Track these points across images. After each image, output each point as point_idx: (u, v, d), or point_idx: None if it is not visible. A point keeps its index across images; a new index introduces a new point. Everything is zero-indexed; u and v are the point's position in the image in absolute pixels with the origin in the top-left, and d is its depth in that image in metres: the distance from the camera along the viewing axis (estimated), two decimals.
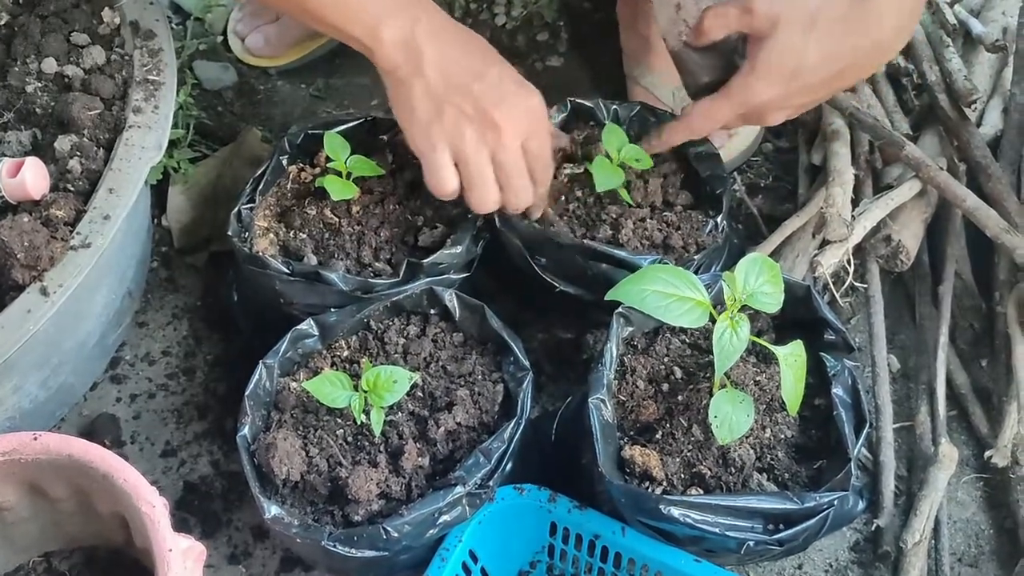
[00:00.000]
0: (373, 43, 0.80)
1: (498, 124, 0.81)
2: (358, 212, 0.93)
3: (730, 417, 0.74)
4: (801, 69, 0.78)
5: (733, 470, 0.77)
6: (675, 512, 0.73)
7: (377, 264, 0.90)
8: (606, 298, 0.75)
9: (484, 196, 0.83)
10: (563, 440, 0.86)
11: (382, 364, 0.81)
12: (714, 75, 0.84)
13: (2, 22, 0.95)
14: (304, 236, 0.91)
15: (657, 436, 0.78)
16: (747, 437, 0.77)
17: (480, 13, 1.27)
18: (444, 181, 0.83)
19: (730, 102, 0.81)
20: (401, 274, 0.87)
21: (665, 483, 0.76)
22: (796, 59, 0.77)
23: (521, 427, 0.78)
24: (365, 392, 0.77)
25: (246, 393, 0.79)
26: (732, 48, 0.83)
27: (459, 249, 0.89)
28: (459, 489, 0.74)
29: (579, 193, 0.94)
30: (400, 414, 0.80)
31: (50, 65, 0.91)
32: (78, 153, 0.85)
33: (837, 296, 0.98)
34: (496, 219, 0.92)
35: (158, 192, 1.06)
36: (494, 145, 0.82)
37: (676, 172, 0.96)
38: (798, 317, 0.84)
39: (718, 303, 0.77)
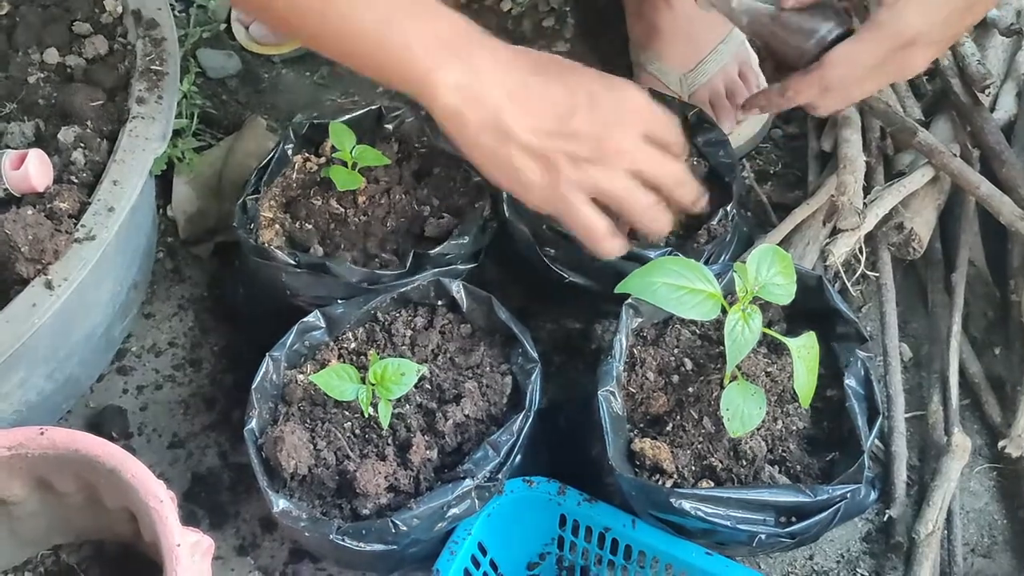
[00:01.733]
0: (427, 96, 0.71)
1: (620, 148, 0.73)
2: (364, 202, 0.92)
3: (742, 410, 0.73)
4: (900, 61, 0.73)
5: (744, 463, 0.76)
6: (686, 505, 0.72)
7: (384, 255, 0.89)
8: (616, 291, 0.74)
9: (652, 216, 0.76)
10: (572, 432, 0.86)
11: (389, 356, 0.80)
12: (818, 41, 0.78)
13: (3, 12, 0.94)
14: (310, 227, 0.90)
15: (667, 428, 0.78)
16: (758, 429, 0.77)
17: None
18: (598, 230, 0.75)
19: (877, 38, 0.74)
20: (408, 265, 0.86)
21: (676, 476, 0.75)
22: (895, 49, 0.72)
23: (530, 419, 0.78)
24: (373, 385, 0.77)
25: (253, 386, 0.79)
26: (835, 11, 0.78)
27: (466, 239, 0.88)
28: (468, 482, 0.74)
29: None
30: (408, 406, 0.80)
31: (52, 55, 0.91)
32: (81, 144, 0.85)
33: (848, 285, 0.97)
34: (504, 208, 0.91)
35: (163, 182, 1.06)
36: (628, 166, 0.74)
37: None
38: (809, 307, 0.83)
39: (729, 294, 0.76)
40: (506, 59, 0.73)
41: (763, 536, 0.73)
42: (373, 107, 0.96)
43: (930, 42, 0.76)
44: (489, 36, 0.74)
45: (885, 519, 0.89)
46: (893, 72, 0.78)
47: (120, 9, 0.93)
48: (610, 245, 0.76)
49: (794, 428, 0.79)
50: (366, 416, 0.78)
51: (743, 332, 0.72)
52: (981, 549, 0.89)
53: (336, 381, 0.77)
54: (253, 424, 0.78)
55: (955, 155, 0.99)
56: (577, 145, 0.72)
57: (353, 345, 0.84)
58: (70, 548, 0.83)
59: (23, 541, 0.81)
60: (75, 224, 0.79)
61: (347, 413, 0.80)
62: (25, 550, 0.82)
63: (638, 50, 1.11)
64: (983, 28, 1.12)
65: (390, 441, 0.78)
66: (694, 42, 1.08)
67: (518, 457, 0.77)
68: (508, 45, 0.74)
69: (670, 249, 0.86)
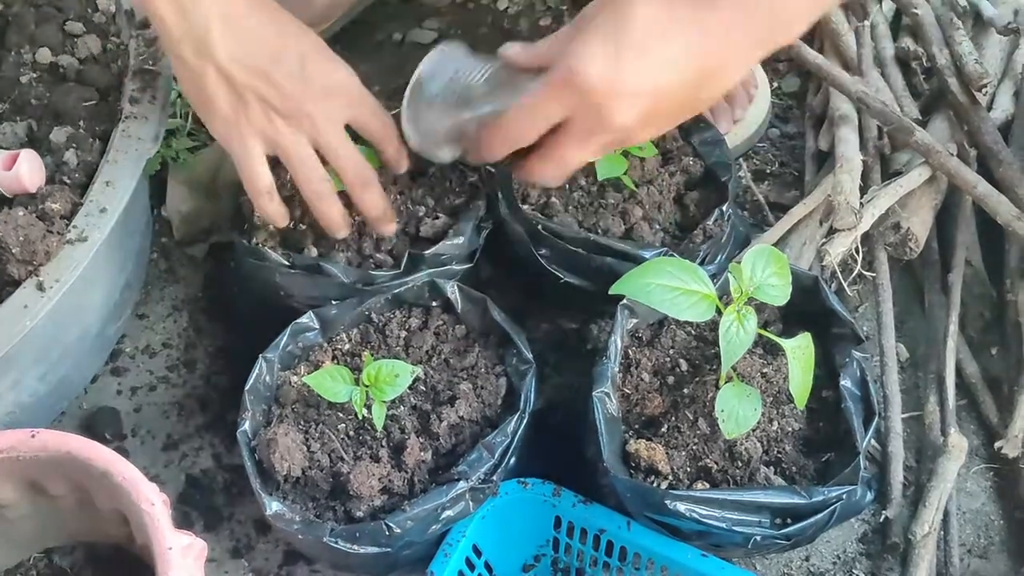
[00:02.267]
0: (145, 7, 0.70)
1: (309, 112, 0.73)
2: None
3: (737, 411, 0.73)
4: (629, 36, 0.65)
5: (740, 464, 0.76)
6: (681, 507, 0.72)
7: (378, 255, 0.88)
8: (610, 292, 0.74)
9: (312, 188, 0.77)
10: (567, 433, 0.85)
11: (384, 357, 0.80)
12: None
13: None
14: (304, 227, 0.90)
15: (663, 429, 0.77)
16: (754, 430, 0.76)
17: None
18: (257, 177, 0.76)
19: (552, 83, 0.68)
20: (403, 266, 0.86)
21: (671, 477, 0.75)
22: (621, 24, 0.66)
23: (524, 421, 0.77)
24: (367, 386, 0.76)
25: (246, 388, 0.79)
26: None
27: (461, 240, 0.88)
28: (462, 484, 0.74)
29: (582, 181, 0.93)
30: (402, 408, 0.80)
31: (44, 55, 0.90)
32: (74, 145, 0.84)
33: (845, 284, 0.96)
34: (499, 209, 0.91)
35: (157, 182, 1.05)
36: (312, 132, 0.75)
37: (681, 159, 0.94)
38: (805, 307, 0.82)
39: (724, 294, 0.76)
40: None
41: (758, 538, 0.73)
42: None
43: (619, 94, 0.67)
44: None
45: (881, 520, 0.88)
46: (593, 119, 0.70)
47: (113, 8, 0.93)
48: (266, 205, 0.77)
49: (790, 429, 0.78)
50: (360, 418, 0.78)
51: (738, 333, 0.72)
52: (977, 550, 0.89)
53: (330, 382, 0.76)
54: (246, 426, 0.77)
55: (952, 154, 0.99)
56: (274, 93, 0.72)
57: (347, 346, 0.84)
58: (62, 551, 0.82)
59: (15, 544, 0.81)
60: (67, 225, 0.79)
61: (341, 415, 0.79)
62: (17, 553, 0.82)
63: None
64: (980, 27, 1.11)
65: (384, 443, 0.78)
66: None
67: (513, 459, 0.77)
68: None
69: (665, 249, 0.86)
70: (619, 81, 0.66)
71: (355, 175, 0.79)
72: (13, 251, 0.75)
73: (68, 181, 0.82)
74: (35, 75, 0.89)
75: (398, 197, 0.92)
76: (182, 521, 0.89)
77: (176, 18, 0.70)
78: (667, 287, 0.72)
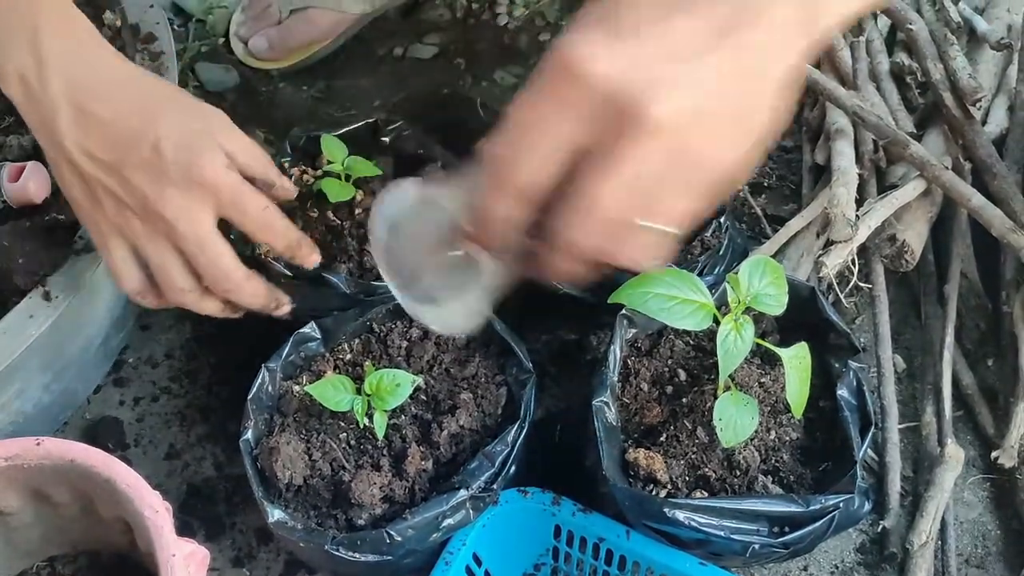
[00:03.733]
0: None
1: (165, 217, 0.63)
2: (360, 214, 0.92)
3: (734, 420, 0.73)
4: (634, 8, 0.46)
5: (738, 473, 0.76)
6: (680, 515, 0.73)
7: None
8: (608, 301, 0.75)
9: (175, 294, 0.69)
10: (567, 443, 0.86)
11: (385, 367, 0.81)
12: None
13: None
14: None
15: (661, 439, 0.78)
16: (752, 439, 0.77)
17: (482, 13, 1.27)
18: (123, 278, 0.68)
19: (541, 88, 0.48)
20: None
21: (670, 486, 0.76)
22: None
23: (524, 430, 0.78)
24: (368, 395, 0.77)
25: (249, 397, 0.79)
26: None
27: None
28: (462, 492, 0.74)
29: None
30: (403, 417, 0.80)
31: None
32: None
33: (842, 296, 0.97)
34: None
35: None
36: (171, 236, 0.64)
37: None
38: (803, 318, 0.83)
39: (722, 305, 0.77)
40: (86, 54, 0.63)
41: (757, 546, 0.74)
42: (370, 120, 0.97)
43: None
44: (82, 19, 0.64)
45: (879, 530, 0.89)
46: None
47: (118, 23, 0.94)
48: (143, 304, 0.69)
49: (787, 439, 0.79)
50: (361, 427, 0.79)
51: (735, 342, 0.72)
52: (975, 559, 0.89)
53: (332, 392, 0.77)
54: (249, 435, 0.78)
55: (947, 168, 1.00)
56: (125, 190, 0.63)
57: (349, 356, 0.84)
58: (65, 559, 0.83)
59: (18, 552, 0.81)
60: (72, 236, 0.80)
61: (342, 424, 0.80)
62: (20, 561, 0.82)
63: None
64: (974, 42, 1.13)
65: (385, 452, 0.79)
66: None
67: (513, 467, 0.78)
68: (102, 41, 0.65)
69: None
70: (634, 61, 0.45)
71: (217, 283, 0.69)
72: (20, 261, 0.76)
73: None
74: None
75: None
76: (184, 530, 0.89)
77: (25, 101, 0.62)
78: (665, 296, 0.73)
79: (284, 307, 0.76)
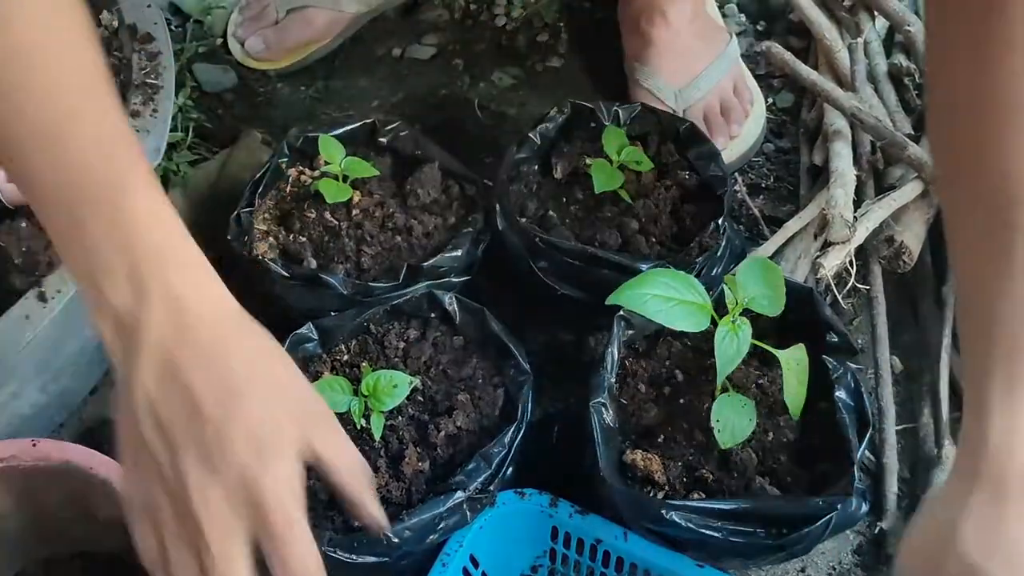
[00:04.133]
0: (88, 305, 0.55)
1: (199, 523, 0.53)
2: (358, 215, 0.92)
3: (732, 421, 0.73)
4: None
5: (735, 474, 0.76)
6: (677, 517, 0.73)
7: (377, 267, 0.89)
8: (606, 302, 0.75)
9: None
10: (564, 444, 0.86)
11: (382, 368, 0.81)
12: None
13: None
14: (304, 239, 0.91)
15: (659, 440, 0.78)
16: (749, 441, 0.77)
17: (480, 14, 1.27)
18: (144, 556, 0.58)
19: None
20: (401, 278, 0.86)
21: (667, 487, 0.76)
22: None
23: (522, 431, 0.78)
24: (365, 396, 0.77)
25: None
26: None
27: (459, 252, 0.88)
28: (459, 494, 0.74)
29: (579, 195, 0.94)
30: (400, 419, 0.80)
31: None
32: None
33: (839, 297, 0.97)
34: (497, 222, 0.92)
35: None
36: (198, 544, 0.54)
37: (677, 173, 0.95)
38: (800, 319, 0.83)
39: (719, 306, 0.77)
40: (191, 302, 0.55)
41: (754, 547, 0.74)
42: (367, 121, 0.97)
43: None
44: (196, 260, 0.57)
45: (876, 531, 0.89)
46: None
47: (115, 23, 0.94)
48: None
49: (785, 440, 0.79)
50: (358, 428, 0.79)
51: (732, 343, 0.72)
52: None
53: (329, 393, 0.77)
54: None
55: None
56: (172, 474, 0.55)
57: (346, 357, 0.84)
58: (61, 561, 0.83)
59: (14, 554, 0.81)
60: None
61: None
62: (15, 563, 0.82)
63: (634, 65, 1.12)
64: None
65: (382, 453, 0.78)
66: (690, 57, 1.09)
67: (510, 469, 0.78)
68: (213, 279, 0.57)
69: (661, 262, 0.86)
70: None
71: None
72: (16, 262, 0.76)
73: None
74: None
75: (398, 209, 0.93)
76: None
77: (113, 338, 0.56)
78: (662, 298, 0.73)
79: None
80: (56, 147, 0.53)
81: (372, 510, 0.61)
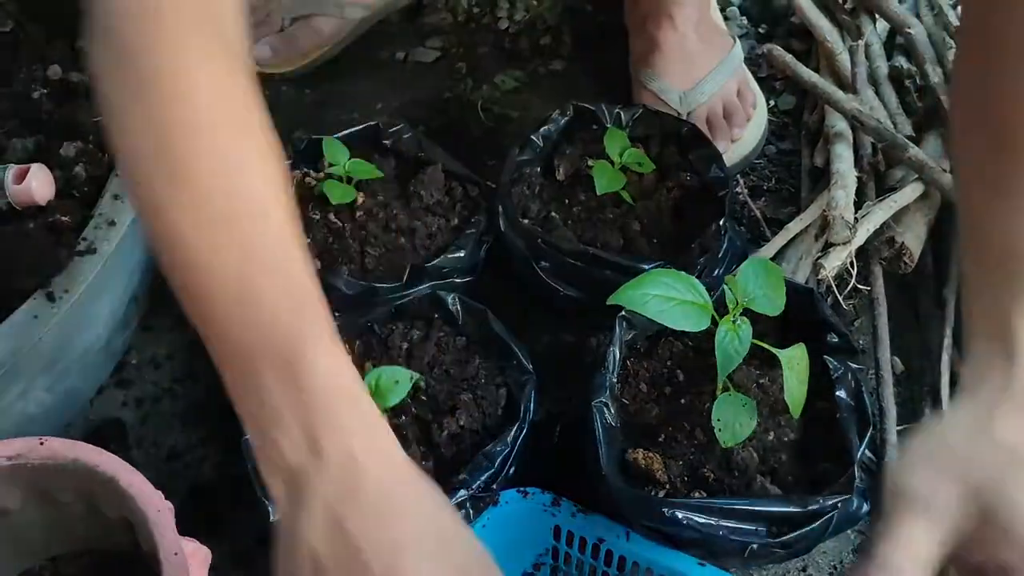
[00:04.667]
0: (258, 459, 0.56)
1: None
2: (362, 217, 0.93)
3: (732, 421, 0.74)
4: None
5: (736, 473, 0.77)
6: (678, 515, 0.73)
7: (380, 268, 0.90)
8: (608, 302, 0.76)
9: None
10: (567, 443, 0.87)
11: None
12: None
13: (7, 29, 0.95)
14: (308, 241, 0.92)
15: (660, 439, 0.79)
16: (750, 440, 0.77)
17: (483, 18, 1.28)
18: None
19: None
20: (405, 278, 0.87)
21: (668, 486, 0.76)
22: None
23: (524, 431, 0.79)
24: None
25: None
26: None
27: (462, 254, 0.89)
28: (462, 493, 0.75)
29: (582, 196, 0.94)
30: (403, 418, 0.81)
31: (55, 72, 0.92)
32: (83, 159, 0.86)
33: (840, 298, 0.98)
34: (500, 223, 0.93)
35: None
36: None
37: (679, 175, 0.96)
38: (801, 320, 0.84)
39: (720, 307, 0.77)
40: (365, 461, 0.54)
41: (755, 546, 0.74)
42: (371, 123, 0.98)
43: None
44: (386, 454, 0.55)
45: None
46: None
47: None
48: None
49: (786, 439, 0.79)
50: None
51: (733, 343, 0.73)
52: None
53: None
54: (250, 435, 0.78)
55: (945, 171, 1.00)
56: None
57: (350, 357, 0.85)
58: (68, 559, 0.83)
59: (21, 552, 0.82)
60: (77, 237, 0.80)
61: None
62: (23, 560, 0.83)
63: (639, 67, 1.13)
64: None
65: None
66: (695, 61, 1.09)
67: (512, 468, 0.78)
68: (387, 435, 0.56)
69: (663, 263, 0.87)
70: None
71: None
72: (24, 262, 0.76)
73: (77, 194, 0.84)
74: (46, 91, 0.91)
75: (401, 211, 0.94)
76: (185, 531, 0.89)
77: (281, 491, 0.55)
78: (663, 298, 0.74)
79: None
80: (250, 303, 0.54)
81: None
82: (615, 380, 0.80)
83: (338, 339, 0.57)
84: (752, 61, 1.22)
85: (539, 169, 0.97)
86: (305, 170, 0.96)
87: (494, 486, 0.77)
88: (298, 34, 1.20)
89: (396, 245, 0.92)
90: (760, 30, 1.27)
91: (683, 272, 0.77)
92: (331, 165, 0.92)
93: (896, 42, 1.18)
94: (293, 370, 0.54)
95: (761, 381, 0.80)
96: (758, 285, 0.75)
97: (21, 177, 0.82)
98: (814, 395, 0.80)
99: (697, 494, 0.76)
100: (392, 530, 0.54)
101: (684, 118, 1.05)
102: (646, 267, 0.85)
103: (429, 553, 0.54)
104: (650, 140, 0.98)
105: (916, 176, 1.01)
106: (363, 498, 0.54)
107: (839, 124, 1.07)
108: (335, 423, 0.54)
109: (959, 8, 1.15)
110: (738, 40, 1.15)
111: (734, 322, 0.74)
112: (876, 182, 1.05)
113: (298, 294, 0.56)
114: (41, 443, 0.73)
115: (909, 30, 1.11)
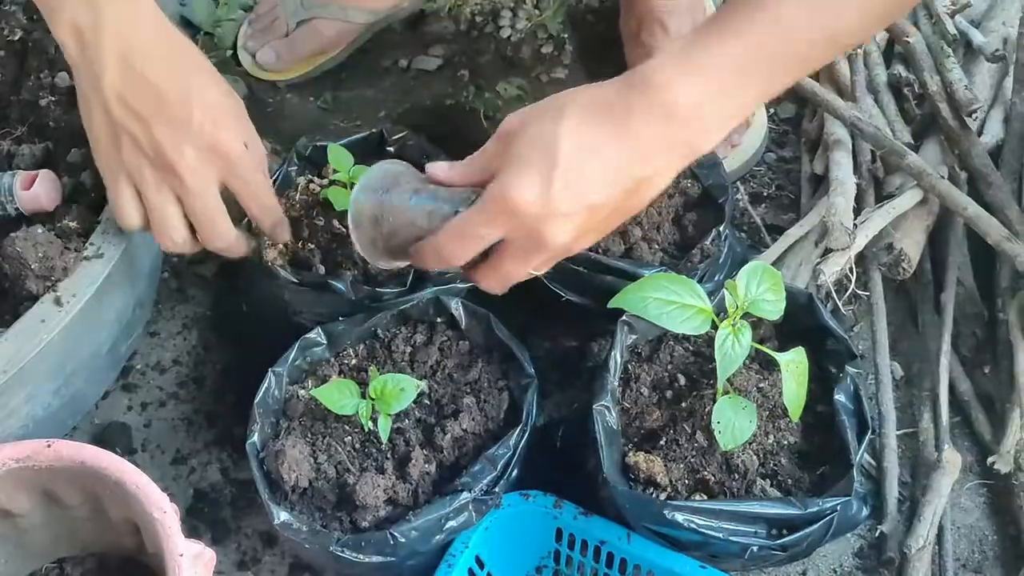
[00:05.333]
0: (51, 24, 0.70)
1: (177, 171, 0.72)
2: None
3: (733, 423, 0.75)
4: (558, 160, 0.66)
5: (736, 476, 0.78)
6: (679, 517, 0.74)
7: (384, 273, 0.91)
8: (608, 306, 0.76)
9: (167, 239, 0.76)
10: (569, 446, 0.87)
11: (389, 372, 0.82)
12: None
13: (16, 37, 0.96)
14: (312, 246, 0.92)
15: (661, 442, 0.79)
16: (750, 443, 0.78)
17: (485, 26, 1.29)
18: (124, 216, 0.76)
19: (485, 210, 0.69)
20: (408, 283, 0.88)
21: (669, 489, 0.77)
22: (549, 148, 0.66)
23: (527, 434, 0.79)
24: (372, 400, 0.78)
25: (255, 401, 0.81)
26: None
27: None
28: (465, 495, 0.75)
29: None
30: (407, 421, 0.81)
31: (63, 79, 0.93)
32: (90, 165, 0.87)
33: (840, 304, 0.99)
34: None
35: None
36: (178, 189, 0.73)
37: (679, 182, 0.97)
38: (801, 325, 0.85)
39: (720, 311, 0.78)
40: (141, 19, 0.71)
41: (755, 548, 0.75)
42: (375, 130, 0.99)
43: (554, 216, 0.67)
44: None
45: (877, 535, 0.90)
46: (533, 244, 0.70)
47: None
48: (129, 229, 0.77)
49: (786, 443, 0.80)
50: (366, 430, 0.80)
51: (733, 347, 0.74)
52: (972, 564, 0.90)
53: (337, 396, 0.78)
54: (255, 438, 0.79)
55: (943, 177, 1.01)
56: (148, 142, 0.71)
57: (354, 361, 0.86)
58: (74, 561, 0.84)
59: (28, 554, 0.83)
60: (84, 242, 0.81)
61: (347, 427, 0.81)
62: (30, 563, 0.83)
63: None
64: (970, 55, 1.14)
65: (389, 455, 0.80)
66: None
67: (515, 471, 0.79)
68: (156, 7, 0.73)
69: (664, 268, 0.88)
70: (552, 205, 0.67)
71: (211, 238, 0.77)
72: (32, 267, 0.77)
73: (85, 200, 0.85)
74: (53, 98, 0.92)
75: None
76: (190, 534, 0.89)
77: (76, 49, 0.70)
78: (664, 301, 0.74)
79: (280, 237, 0.84)
80: None
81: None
82: (616, 384, 0.81)
83: None
84: None
85: None
86: (309, 176, 0.97)
87: (496, 489, 0.77)
88: (301, 38, 1.21)
89: None
90: None
91: (683, 276, 0.78)
92: (335, 171, 0.93)
93: (895, 50, 1.19)
94: None
95: (761, 385, 0.81)
96: (758, 288, 0.76)
97: (29, 183, 0.83)
98: (814, 399, 0.81)
99: (698, 497, 0.76)
100: (179, 67, 0.73)
101: None
102: (647, 272, 0.86)
103: (211, 84, 0.75)
104: None
105: (915, 183, 1.01)
106: (147, 41, 0.71)
107: (838, 131, 1.08)
108: None
109: (956, 17, 1.17)
110: None
111: (734, 326, 0.75)
112: (875, 189, 1.06)
113: None
114: (48, 446, 0.74)
115: (907, 38, 1.12)
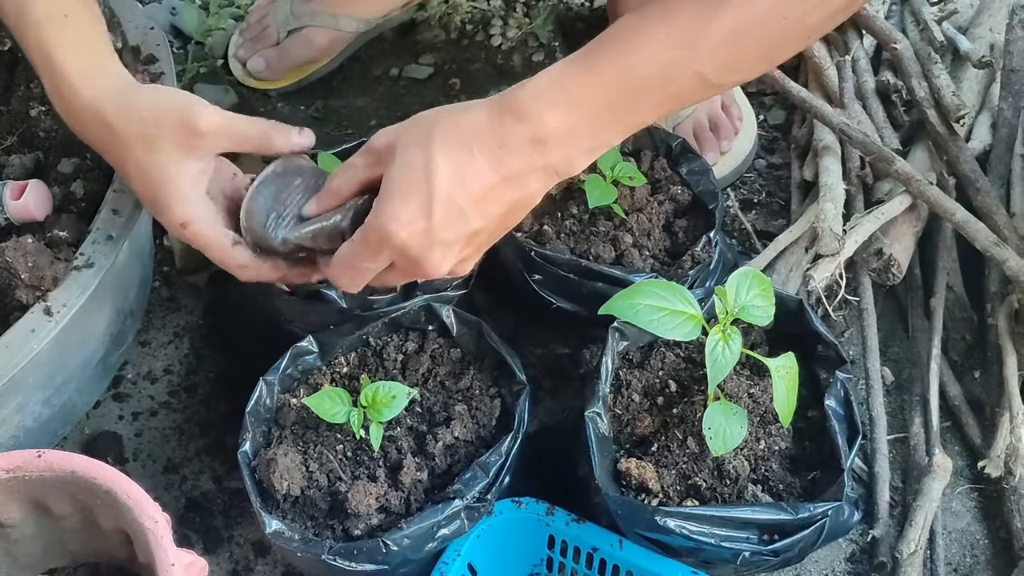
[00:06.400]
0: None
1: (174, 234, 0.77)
2: None
3: (723, 429, 0.75)
4: (434, 191, 0.68)
5: (728, 481, 0.78)
6: (671, 523, 0.74)
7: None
8: (599, 312, 0.76)
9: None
10: (560, 453, 0.87)
11: (381, 380, 0.82)
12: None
13: (6, 47, 0.96)
14: (303, 256, 0.92)
15: (653, 449, 0.79)
16: (741, 449, 0.78)
17: (476, 35, 1.29)
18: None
19: (369, 244, 0.70)
20: (399, 291, 0.88)
21: (661, 495, 0.77)
22: (425, 178, 0.68)
23: (518, 441, 0.79)
24: (364, 408, 0.78)
25: (247, 409, 0.80)
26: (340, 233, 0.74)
27: None
28: (457, 503, 0.75)
29: (574, 209, 0.96)
30: (399, 429, 0.81)
31: None
32: (81, 175, 0.87)
33: (830, 309, 0.99)
34: None
35: None
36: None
37: (669, 188, 0.97)
38: (791, 330, 0.85)
39: (711, 317, 0.79)
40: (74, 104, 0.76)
41: (747, 554, 0.75)
42: (365, 139, 0.99)
43: (433, 243, 0.69)
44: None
45: (869, 539, 0.90)
46: (413, 269, 0.72)
47: (119, 44, 0.95)
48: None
49: (776, 448, 0.80)
50: (358, 438, 0.80)
51: (723, 352, 0.74)
52: (963, 568, 0.90)
53: (328, 404, 0.78)
54: (247, 447, 0.79)
55: (932, 183, 1.02)
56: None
57: (345, 369, 0.86)
58: (66, 571, 0.83)
59: (19, 565, 0.82)
60: (74, 252, 0.81)
61: (339, 436, 0.81)
62: (21, 574, 0.83)
63: None
64: (958, 61, 1.15)
65: (381, 463, 0.80)
66: None
67: (507, 478, 0.79)
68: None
69: (655, 275, 0.88)
70: (433, 236, 0.69)
71: (263, 279, 0.79)
72: (22, 277, 0.77)
73: (75, 210, 0.85)
74: (43, 108, 0.92)
75: None
76: (182, 544, 0.89)
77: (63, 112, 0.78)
78: (654, 307, 0.75)
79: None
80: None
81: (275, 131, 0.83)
82: (608, 390, 0.81)
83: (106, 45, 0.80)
84: None
85: None
86: None
87: (489, 496, 0.77)
88: (292, 46, 1.21)
89: None
90: None
91: (673, 283, 0.78)
92: None
93: (883, 57, 1.20)
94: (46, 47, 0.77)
95: (752, 390, 0.81)
96: (748, 295, 0.77)
97: (19, 193, 0.83)
98: (804, 404, 0.81)
99: (689, 503, 0.77)
100: (114, 141, 0.76)
101: (670, 131, 1.06)
102: (638, 279, 0.86)
103: (140, 160, 0.75)
104: (641, 154, 0.99)
105: (903, 189, 1.02)
106: (86, 132, 0.76)
107: (827, 138, 1.09)
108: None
109: (943, 24, 1.17)
110: None
111: (725, 332, 0.75)
112: (864, 194, 1.07)
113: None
114: (39, 456, 0.74)
115: (895, 45, 1.13)
